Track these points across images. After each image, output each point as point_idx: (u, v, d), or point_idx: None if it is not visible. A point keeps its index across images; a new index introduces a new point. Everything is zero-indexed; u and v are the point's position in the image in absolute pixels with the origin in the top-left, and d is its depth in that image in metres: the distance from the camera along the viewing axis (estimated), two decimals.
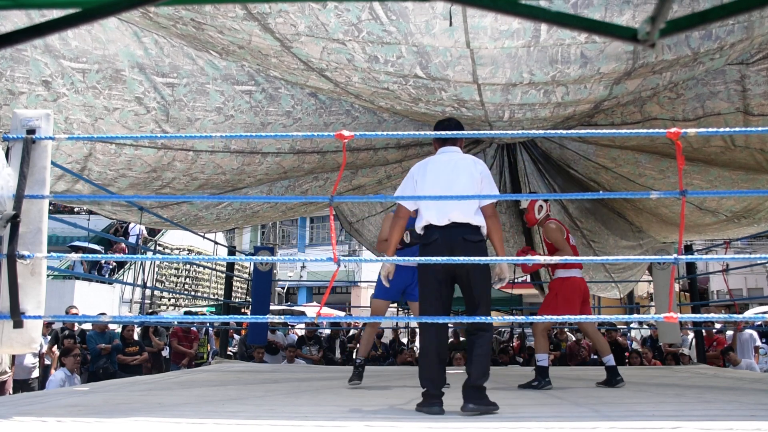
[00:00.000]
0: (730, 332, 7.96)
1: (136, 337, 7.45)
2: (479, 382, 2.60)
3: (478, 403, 2.53)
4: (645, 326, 10.67)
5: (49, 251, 2.33)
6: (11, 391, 5.61)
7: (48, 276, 2.99)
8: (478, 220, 2.78)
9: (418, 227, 2.88)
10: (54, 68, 3.16)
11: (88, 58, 3.23)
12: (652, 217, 7.07)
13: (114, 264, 12.77)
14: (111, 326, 7.53)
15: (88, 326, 7.54)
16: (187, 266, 15.35)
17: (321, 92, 4.09)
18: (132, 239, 12.17)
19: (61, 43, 3.11)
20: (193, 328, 8.07)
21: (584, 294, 4.28)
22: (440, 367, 2.71)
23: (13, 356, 5.81)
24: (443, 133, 2.90)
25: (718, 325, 8.26)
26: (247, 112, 4.02)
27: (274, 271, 10.31)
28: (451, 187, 2.77)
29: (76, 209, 13.79)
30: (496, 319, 4.37)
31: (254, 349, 7.60)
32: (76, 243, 12.29)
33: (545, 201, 4.42)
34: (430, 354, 2.71)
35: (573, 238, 4.43)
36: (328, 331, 9.91)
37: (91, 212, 11.41)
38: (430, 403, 2.59)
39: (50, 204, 2.83)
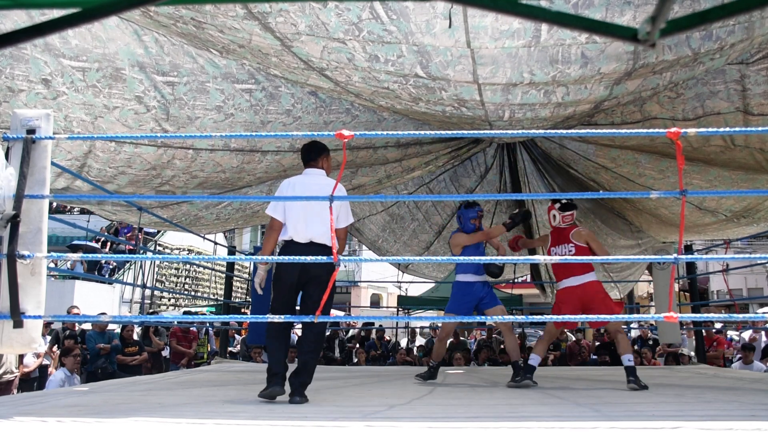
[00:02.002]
0: (737, 334, 7.99)
1: (136, 337, 7.45)
2: (308, 382, 3.06)
3: (302, 395, 3.00)
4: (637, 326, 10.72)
5: (49, 251, 2.33)
6: (16, 391, 5.60)
7: (49, 276, 2.99)
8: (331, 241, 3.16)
9: (282, 239, 3.24)
10: (54, 67, 3.15)
11: (88, 56, 3.22)
12: (652, 218, 7.07)
13: (114, 264, 12.76)
14: (111, 326, 7.53)
15: (88, 326, 7.54)
16: (187, 266, 15.34)
17: (321, 91, 4.08)
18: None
19: (61, 41, 3.11)
20: (193, 328, 8.07)
21: (581, 301, 4.24)
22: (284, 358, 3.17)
23: (21, 356, 5.80)
24: (442, 132, 2.90)
25: (718, 325, 8.27)
26: (247, 110, 4.01)
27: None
28: (312, 209, 3.12)
29: (76, 209, 13.78)
30: (496, 318, 4.40)
31: (254, 349, 7.59)
32: (76, 242, 12.28)
33: (559, 210, 4.48)
34: (279, 350, 3.17)
35: (558, 250, 4.49)
36: (327, 332, 9.90)
37: (89, 212, 11.40)
38: (275, 383, 2.99)
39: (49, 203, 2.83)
